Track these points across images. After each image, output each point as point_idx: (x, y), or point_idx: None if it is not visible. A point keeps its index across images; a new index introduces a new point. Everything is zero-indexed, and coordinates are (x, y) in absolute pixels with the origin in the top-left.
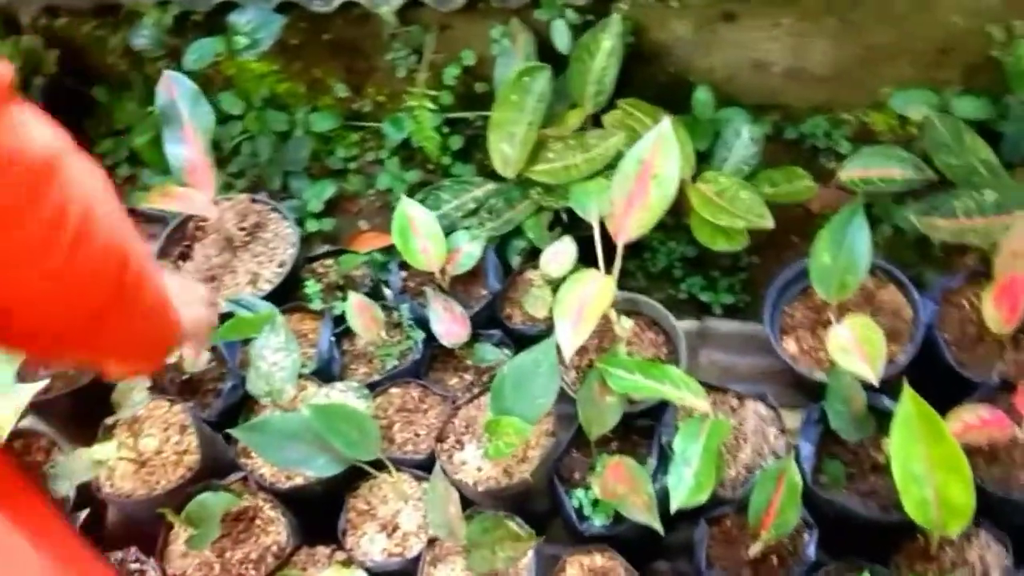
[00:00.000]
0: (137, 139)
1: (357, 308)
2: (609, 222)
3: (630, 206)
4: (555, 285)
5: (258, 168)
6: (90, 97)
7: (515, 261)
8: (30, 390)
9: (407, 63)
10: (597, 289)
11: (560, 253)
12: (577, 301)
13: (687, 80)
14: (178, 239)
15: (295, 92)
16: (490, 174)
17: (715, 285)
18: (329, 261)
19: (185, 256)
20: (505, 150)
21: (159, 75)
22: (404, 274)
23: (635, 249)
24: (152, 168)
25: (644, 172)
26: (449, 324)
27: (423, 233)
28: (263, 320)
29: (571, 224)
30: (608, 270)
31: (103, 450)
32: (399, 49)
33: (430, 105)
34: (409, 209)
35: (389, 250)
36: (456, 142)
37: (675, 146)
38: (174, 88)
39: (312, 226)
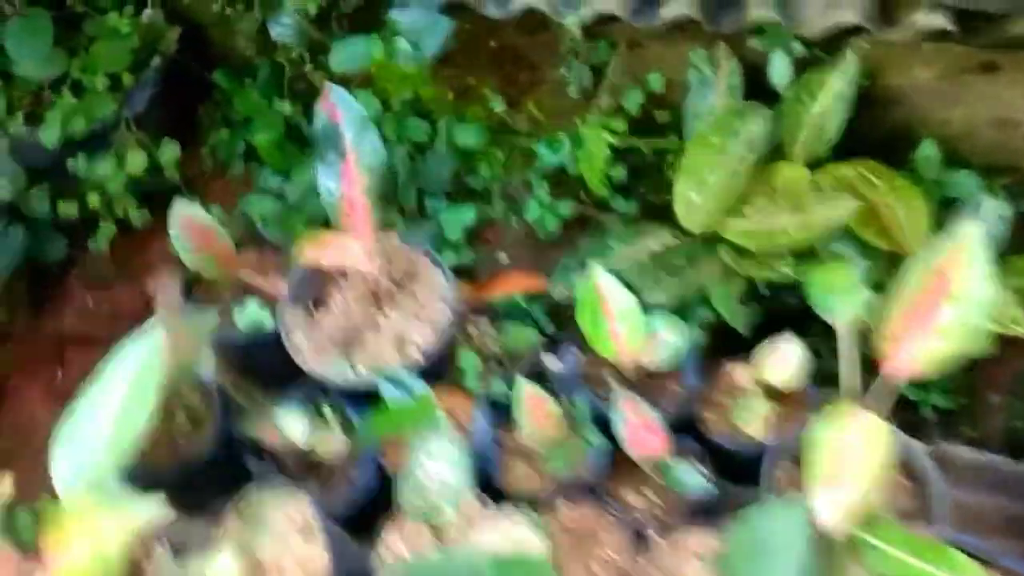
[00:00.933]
0: (258, 135)
1: (530, 401)
2: (879, 343)
3: (913, 327)
4: (772, 394)
5: (389, 182)
6: (210, 82)
7: (694, 335)
8: (145, 512)
9: (580, 80)
10: (866, 439)
11: (784, 356)
12: (839, 457)
13: (910, 132)
14: (311, 281)
15: (441, 98)
16: (656, 215)
17: (926, 382)
18: (482, 320)
19: (319, 303)
20: (693, 198)
21: (290, 67)
22: (582, 357)
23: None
24: (271, 169)
25: (937, 287)
26: (639, 432)
27: (617, 315)
28: (422, 413)
29: (771, 299)
30: (869, 404)
31: (218, 571)
32: (575, 64)
33: (608, 136)
34: (603, 283)
35: (537, 298)
36: (619, 173)
37: (982, 260)
38: (338, 110)
39: (449, 258)
